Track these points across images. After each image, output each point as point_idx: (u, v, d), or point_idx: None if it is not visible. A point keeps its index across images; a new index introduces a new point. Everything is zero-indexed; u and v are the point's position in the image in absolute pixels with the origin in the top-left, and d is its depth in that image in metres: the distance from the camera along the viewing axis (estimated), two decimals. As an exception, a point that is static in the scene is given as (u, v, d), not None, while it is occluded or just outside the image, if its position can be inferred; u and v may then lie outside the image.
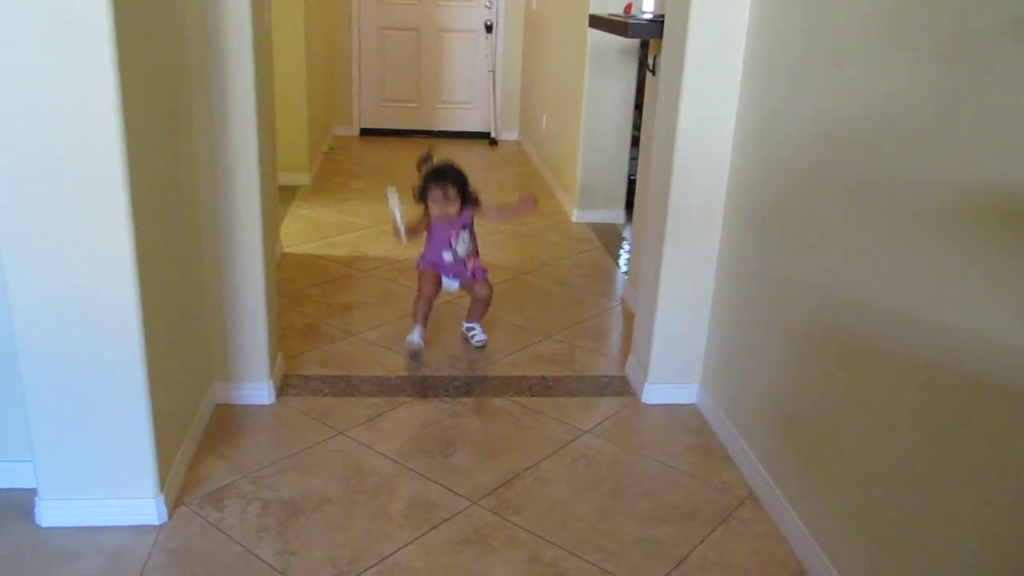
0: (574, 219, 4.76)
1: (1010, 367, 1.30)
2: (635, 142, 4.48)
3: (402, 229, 2.82)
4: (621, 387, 2.80)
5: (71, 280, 1.78)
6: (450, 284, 2.98)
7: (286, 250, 4.01)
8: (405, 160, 6.16)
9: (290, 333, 3.08)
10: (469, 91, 7.00)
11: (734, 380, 2.42)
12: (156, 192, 1.95)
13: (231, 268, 2.41)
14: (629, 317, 3.35)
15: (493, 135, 6.98)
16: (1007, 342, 1.30)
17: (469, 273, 2.94)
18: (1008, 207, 1.31)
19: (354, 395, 2.66)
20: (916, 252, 1.54)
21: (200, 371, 2.41)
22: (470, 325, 3.10)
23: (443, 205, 2.82)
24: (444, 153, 2.91)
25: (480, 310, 3.05)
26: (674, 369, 2.66)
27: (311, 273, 3.73)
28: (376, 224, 4.51)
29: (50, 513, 1.95)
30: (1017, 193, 1.28)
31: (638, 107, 4.48)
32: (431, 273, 2.95)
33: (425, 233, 2.94)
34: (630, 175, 4.66)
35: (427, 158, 2.90)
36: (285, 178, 4.96)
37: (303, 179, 5.22)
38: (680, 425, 2.57)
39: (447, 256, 2.90)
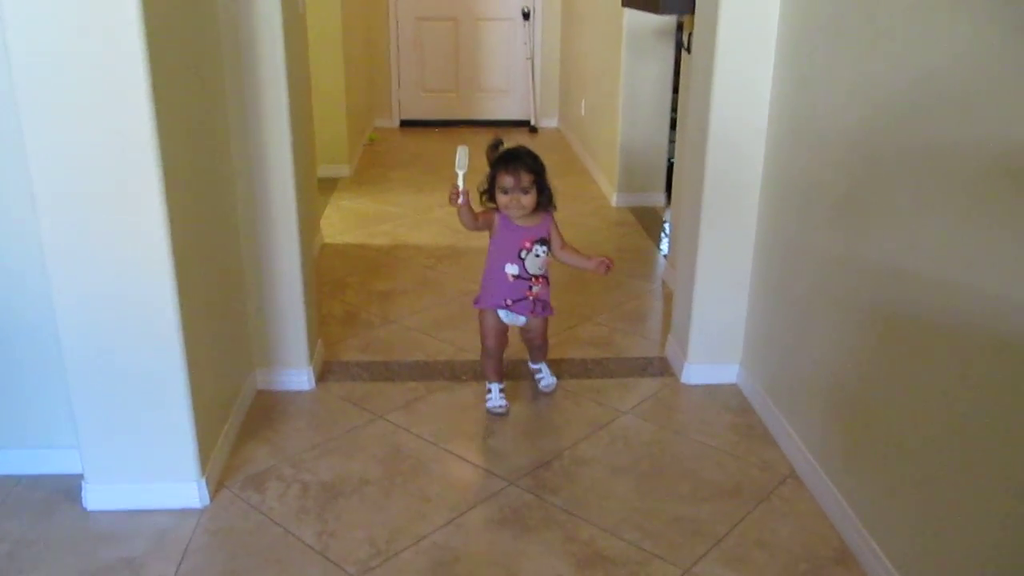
0: (614, 203, 4.72)
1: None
2: (673, 124, 4.43)
3: (460, 187, 2.30)
4: (661, 368, 2.78)
5: (110, 273, 1.82)
6: (514, 320, 2.47)
7: (327, 240, 4.04)
8: (445, 150, 6.18)
9: (330, 321, 3.11)
10: (508, 79, 6.98)
11: (775, 358, 2.38)
12: (192, 186, 1.97)
13: (269, 258, 2.44)
14: (669, 299, 3.31)
15: (533, 123, 6.96)
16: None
17: (531, 304, 2.42)
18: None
19: (393, 380, 2.68)
20: (961, 222, 1.50)
21: (241, 358, 2.45)
22: (536, 367, 2.69)
23: (514, 195, 2.30)
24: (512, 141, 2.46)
25: (539, 355, 2.66)
26: (713, 348, 2.62)
27: (351, 262, 3.76)
28: (415, 213, 4.53)
29: (96, 497, 2.00)
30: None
31: (676, 89, 4.42)
32: (493, 317, 2.46)
33: (487, 247, 2.45)
34: (669, 158, 4.61)
35: (497, 144, 2.38)
36: (326, 170, 5.01)
37: (343, 171, 5.26)
38: (720, 404, 2.53)
39: (511, 269, 2.37)
